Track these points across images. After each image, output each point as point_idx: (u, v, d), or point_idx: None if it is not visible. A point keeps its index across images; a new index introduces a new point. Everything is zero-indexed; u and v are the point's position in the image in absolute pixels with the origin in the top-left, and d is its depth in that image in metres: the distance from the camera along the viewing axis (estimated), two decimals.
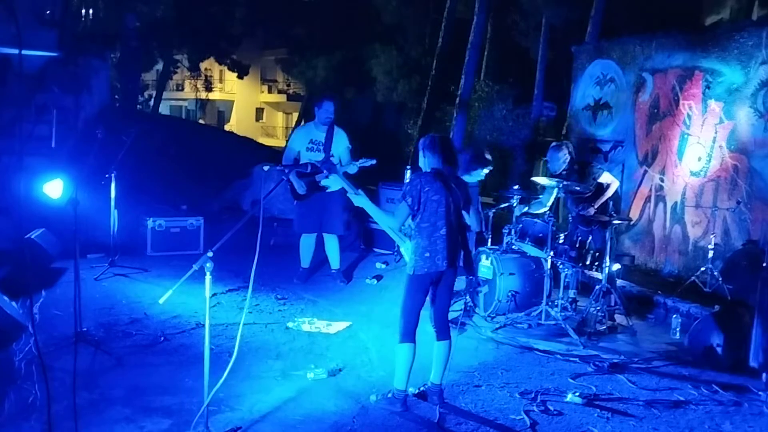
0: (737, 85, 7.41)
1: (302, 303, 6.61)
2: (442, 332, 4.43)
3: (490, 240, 6.87)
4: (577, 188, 6.40)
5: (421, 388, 4.51)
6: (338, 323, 5.97)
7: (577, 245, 6.45)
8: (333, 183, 6.74)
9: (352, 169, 6.58)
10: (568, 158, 6.61)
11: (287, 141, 7.30)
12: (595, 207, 6.49)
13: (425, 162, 4.42)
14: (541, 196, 6.96)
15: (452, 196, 4.31)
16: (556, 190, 6.67)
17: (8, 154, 8.59)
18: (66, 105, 10.70)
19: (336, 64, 25.77)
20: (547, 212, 6.58)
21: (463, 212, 4.47)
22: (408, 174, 8.75)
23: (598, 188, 6.57)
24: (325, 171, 5.67)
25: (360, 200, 4.54)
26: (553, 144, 6.79)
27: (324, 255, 7.37)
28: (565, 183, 6.31)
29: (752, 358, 5.07)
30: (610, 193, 6.60)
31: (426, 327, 4.52)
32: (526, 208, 6.60)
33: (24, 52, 2.54)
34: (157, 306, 5.84)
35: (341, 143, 6.91)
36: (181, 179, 12.18)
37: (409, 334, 4.31)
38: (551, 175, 6.71)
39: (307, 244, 7.24)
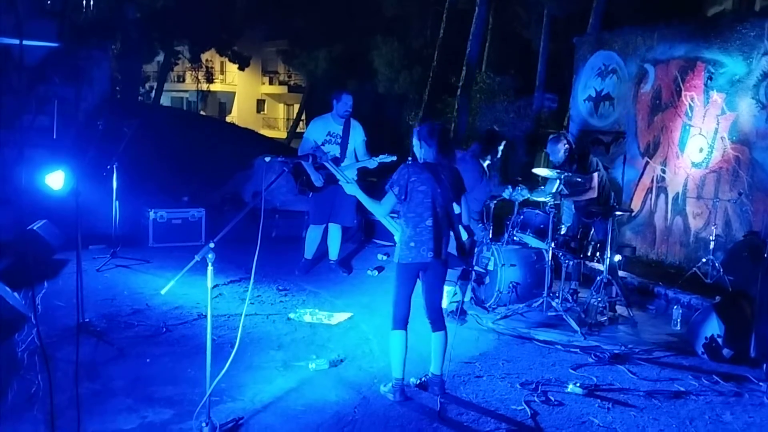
0: (739, 76, 7.40)
1: (304, 294, 6.62)
2: (436, 323, 4.44)
3: (491, 231, 6.86)
4: (578, 179, 6.39)
5: (423, 379, 4.52)
6: (339, 314, 5.98)
7: (579, 236, 6.44)
8: (350, 175, 6.75)
9: (372, 164, 6.60)
10: (568, 149, 6.61)
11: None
12: (562, 194, 6.46)
13: (421, 151, 4.41)
14: (542, 187, 6.95)
15: (440, 187, 4.29)
16: (558, 181, 6.66)
17: (9, 145, 8.59)
18: (67, 96, 10.71)
19: (337, 55, 25.69)
20: (550, 203, 6.56)
21: (455, 204, 4.46)
22: None
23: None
24: (318, 158, 5.69)
25: (351, 188, 4.61)
26: (552, 136, 6.79)
27: (326, 247, 7.38)
28: (565, 174, 6.30)
29: (753, 349, 5.08)
30: (586, 196, 6.56)
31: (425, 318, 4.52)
32: (527, 196, 6.56)
33: (24, 42, 2.54)
34: (159, 297, 5.85)
35: (358, 136, 6.95)
36: (182, 171, 12.21)
37: (399, 321, 4.33)
38: (553, 166, 6.70)
39: (314, 235, 7.25)
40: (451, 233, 4.47)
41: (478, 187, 6.03)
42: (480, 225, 6.26)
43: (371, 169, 6.68)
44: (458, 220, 4.54)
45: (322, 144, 6.86)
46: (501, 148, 6.30)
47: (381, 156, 6.49)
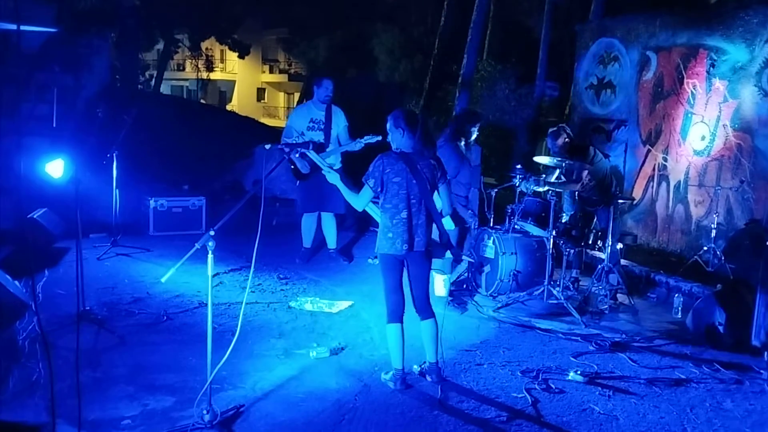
0: (742, 63, 7.36)
1: (304, 282, 6.62)
2: (424, 312, 4.43)
3: (492, 220, 6.85)
4: (575, 168, 6.37)
5: (422, 366, 4.53)
6: (340, 302, 5.99)
7: (580, 225, 6.43)
8: (335, 161, 6.74)
9: (357, 147, 6.56)
10: (567, 142, 6.60)
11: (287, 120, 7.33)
12: (546, 181, 6.43)
13: (398, 138, 4.31)
14: (543, 176, 6.93)
15: (416, 178, 4.23)
16: (558, 171, 6.65)
17: (9, 134, 8.57)
18: (67, 84, 10.68)
19: (337, 43, 25.59)
20: (551, 192, 6.54)
21: (437, 194, 4.42)
22: None
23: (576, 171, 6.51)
24: (309, 146, 5.66)
25: (332, 177, 4.57)
26: (551, 130, 6.77)
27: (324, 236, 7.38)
28: (567, 162, 6.28)
29: (754, 337, 5.08)
30: (568, 188, 6.54)
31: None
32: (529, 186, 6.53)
33: (22, 27, 2.52)
34: (160, 285, 5.86)
35: (340, 122, 6.95)
36: (183, 159, 12.20)
37: (392, 314, 4.32)
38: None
39: (308, 223, 7.24)
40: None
41: (462, 171, 5.97)
42: (469, 211, 6.22)
43: (357, 151, 6.60)
44: (438, 212, 4.48)
45: (307, 131, 6.84)
46: (475, 129, 6.21)
47: (366, 137, 6.41)
